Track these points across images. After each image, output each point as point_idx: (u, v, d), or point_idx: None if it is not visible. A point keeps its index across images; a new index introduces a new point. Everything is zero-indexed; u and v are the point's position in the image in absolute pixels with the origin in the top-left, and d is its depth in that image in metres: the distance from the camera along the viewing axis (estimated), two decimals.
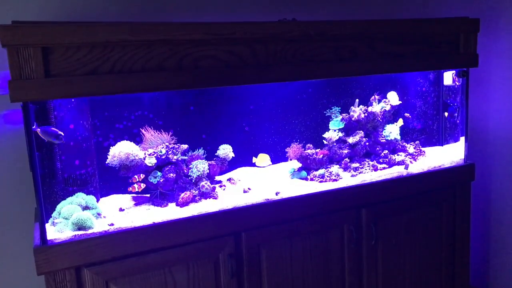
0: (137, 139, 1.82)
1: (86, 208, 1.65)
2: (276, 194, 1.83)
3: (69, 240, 1.50)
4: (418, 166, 2.10)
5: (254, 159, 2.09)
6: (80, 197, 1.65)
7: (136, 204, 1.81)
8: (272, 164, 2.18)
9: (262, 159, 2.08)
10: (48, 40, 1.37)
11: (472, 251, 2.46)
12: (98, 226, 1.58)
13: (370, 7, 2.61)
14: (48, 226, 1.59)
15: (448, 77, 2.29)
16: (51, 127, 1.62)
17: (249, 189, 1.89)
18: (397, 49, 1.93)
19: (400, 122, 2.24)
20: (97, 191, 1.82)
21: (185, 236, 1.63)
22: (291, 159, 2.10)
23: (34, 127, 1.57)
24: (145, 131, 1.81)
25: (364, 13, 2.59)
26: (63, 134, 1.62)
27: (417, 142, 2.32)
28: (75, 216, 1.54)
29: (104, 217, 1.67)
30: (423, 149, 2.29)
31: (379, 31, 1.87)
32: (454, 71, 2.24)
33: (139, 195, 1.89)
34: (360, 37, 1.84)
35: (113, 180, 1.87)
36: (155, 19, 2.09)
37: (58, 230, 1.55)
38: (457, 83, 2.27)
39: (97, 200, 1.81)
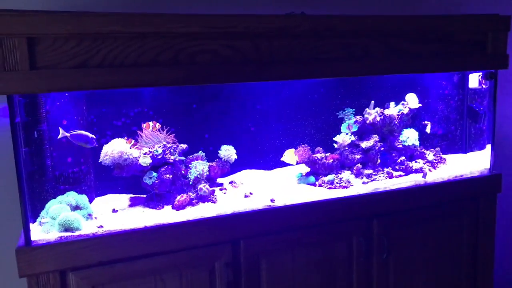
0: (135, 137, 1.74)
1: (76, 208, 1.57)
2: (272, 201, 1.70)
3: (54, 242, 1.42)
4: (438, 175, 1.94)
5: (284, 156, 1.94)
6: (71, 196, 1.58)
7: (131, 205, 1.72)
8: (280, 167, 2.06)
9: (290, 156, 1.92)
10: (34, 30, 1.30)
11: (496, 269, 2.27)
12: (87, 228, 1.51)
13: (386, 1, 2.43)
14: (35, 226, 1.52)
15: (474, 80, 2.11)
16: (81, 132, 1.58)
17: (251, 193, 1.78)
18: (415, 48, 1.77)
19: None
20: (91, 190, 1.75)
21: (179, 241, 1.54)
22: (298, 163, 1.97)
23: (60, 135, 1.55)
24: (143, 127, 1.72)
25: (378, 8, 2.40)
26: (95, 137, 1.59)
27: (437, 148, 2.15)
28: (62, 217, 1.47)
29: (95, 218, 1.60)
30: (444, 156, 2.12)
31: (394, 28, 1.72)
32: (481, 73, 2.06)
33: (136, 195, 1.80)
34: (373, 34, 1.70)
35: (110, 179, 1.79)
36: (149, 10, 1.97)
37: (44, 231, 1.48)
38: (484, 86, 2.09)
39: (92, 200, 1.73)
